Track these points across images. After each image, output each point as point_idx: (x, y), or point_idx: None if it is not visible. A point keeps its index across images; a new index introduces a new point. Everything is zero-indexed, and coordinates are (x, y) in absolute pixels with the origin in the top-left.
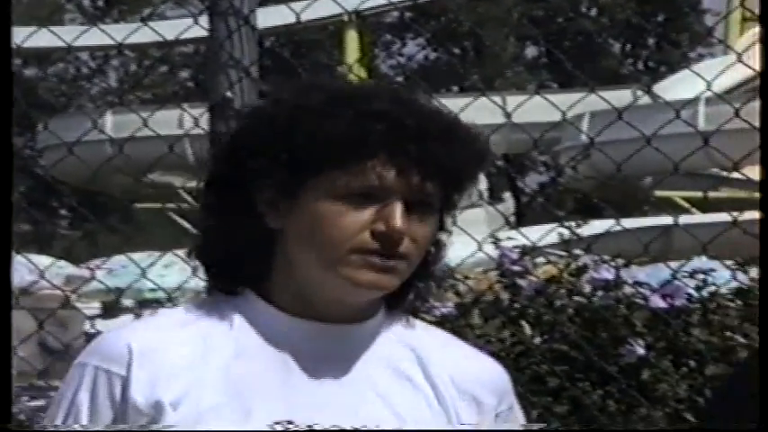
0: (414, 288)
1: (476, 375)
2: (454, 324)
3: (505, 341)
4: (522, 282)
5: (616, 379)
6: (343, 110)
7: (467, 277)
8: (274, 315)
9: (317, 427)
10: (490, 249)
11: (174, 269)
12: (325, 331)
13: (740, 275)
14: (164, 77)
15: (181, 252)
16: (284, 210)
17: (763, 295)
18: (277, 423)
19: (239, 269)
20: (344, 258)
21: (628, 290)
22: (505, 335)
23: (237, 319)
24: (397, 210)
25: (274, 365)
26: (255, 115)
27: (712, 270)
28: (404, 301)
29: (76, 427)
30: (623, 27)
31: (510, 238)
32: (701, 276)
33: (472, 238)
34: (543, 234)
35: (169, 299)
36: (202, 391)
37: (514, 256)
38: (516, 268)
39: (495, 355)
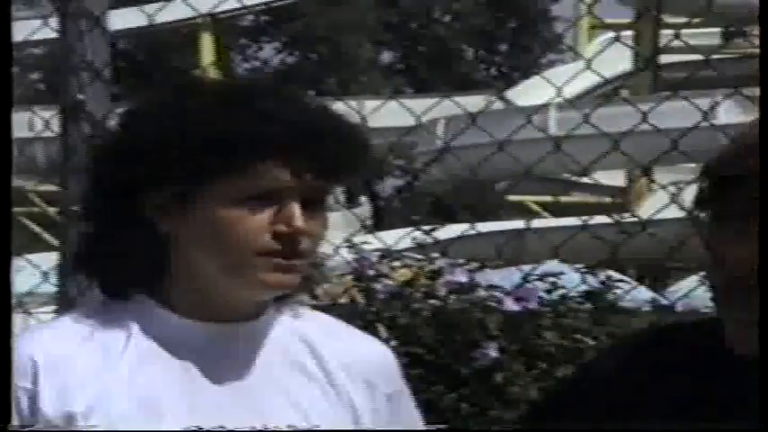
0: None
1: (366, 359)
2: None
3: None
4: (377, 285)
5: (470, 381)
6: (234, 112)
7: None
8: (171, 319)
9: (228, 428)
10: (346, 253)
11: (23, 274)
12: (223, 331)
13: (589, 278)
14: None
15: (32, 257)
16: (176, 214)
17: (764, 292)
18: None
19: (130, 275)
20: (249, 262)
21: (482, 293)
22: None
23: (134, 326)
24: (296, 210)
25: (177, 370)
26: (138, 117)
27: (563, 273)
28: (292, 293)
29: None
30: (476, 33)
31: (366, 243)
32: (552, 279)
33: (328, 242)
34: (399, 238)
35: (20, 304)
36: (110, 400)
37: (371, 259)
38: (372, 272)
39: None
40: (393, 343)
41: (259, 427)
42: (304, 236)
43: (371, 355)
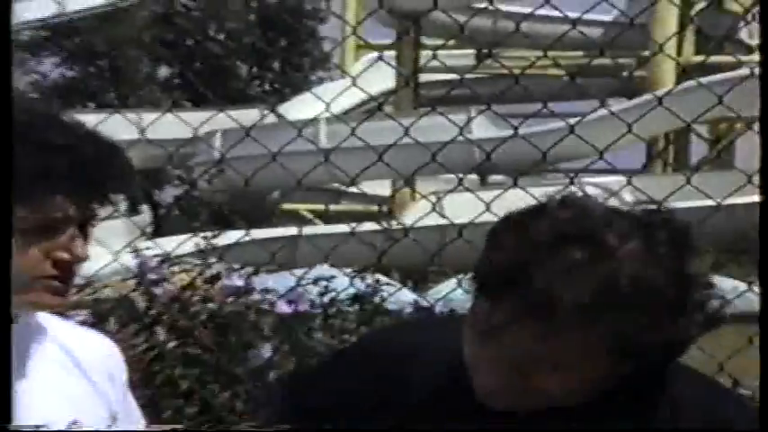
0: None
1: (105, 354)
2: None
3: (139, 346)
4: (157, 289)
5: (244, 380)
6: (23, 146)
7: (106, 286)
8: None
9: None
10: (128, 259)
11: None
12: (18, 330)
13: (357, 282)
14: None
15: None
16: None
17: (764, 300)
18: None
19: None
20: (28, 286)
21: (256, 296)
22: (140, 340)
23: None
24: (77, 239)
25: None
26: None
27: (333, 277)
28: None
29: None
30: (249, 51)
31: (149, 248)
32: (324, 283)
33: (108, 250)
34: (179, 244)
35: None
36: None
37: (151, 264)
38: (153, 276)
39: (129, 359)
40: (171, 345)
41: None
42: (81, 261)
43: (109, 348)
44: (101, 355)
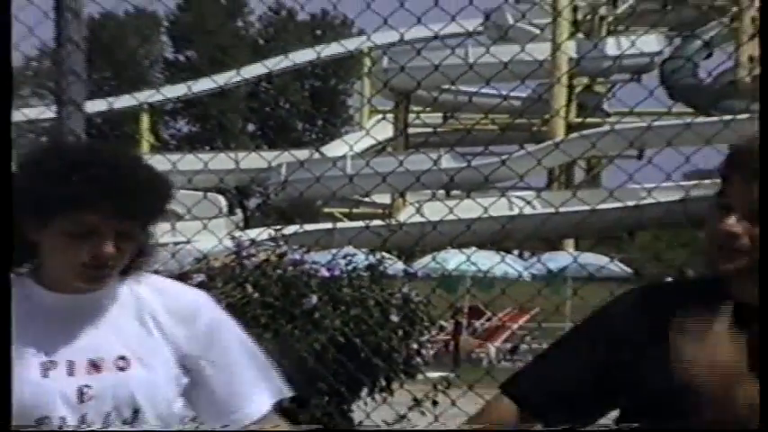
0: (135, 266)
1: (183, 303)
2: (206, 287)
3: (235, 296)
4: (247, 261)
5: (299, 318)
6: (64, 178)
7: (215, 259)
8: (39, 289)
9: (87, 358)
10: (229, 242)
11: None
12: (69, 299)
13: (370, 257)
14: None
15: None
16: (39, 233)
17: (764, 290)
18: (48, 362)
19: (21, 259)
20: (75, 274)
21: (307, 266)
22: (236, 293)
23: (19, 295)
24: (103, 245)
25: (36, 324)
26: (17, 175)
27: (354, 254)
28: (131, 272)
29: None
30: (303, 114)
31: (241, 236)
32: (349, 258)
33: (216, 236)
34: (259, 233)
35: None
36: None
37: (244, 245)
38: (244, 253)
39: (229, 305)
40: (255, 295)
41: (92, 357)
42: (109, 260)
43: (187, 299)
44: (178, 304)
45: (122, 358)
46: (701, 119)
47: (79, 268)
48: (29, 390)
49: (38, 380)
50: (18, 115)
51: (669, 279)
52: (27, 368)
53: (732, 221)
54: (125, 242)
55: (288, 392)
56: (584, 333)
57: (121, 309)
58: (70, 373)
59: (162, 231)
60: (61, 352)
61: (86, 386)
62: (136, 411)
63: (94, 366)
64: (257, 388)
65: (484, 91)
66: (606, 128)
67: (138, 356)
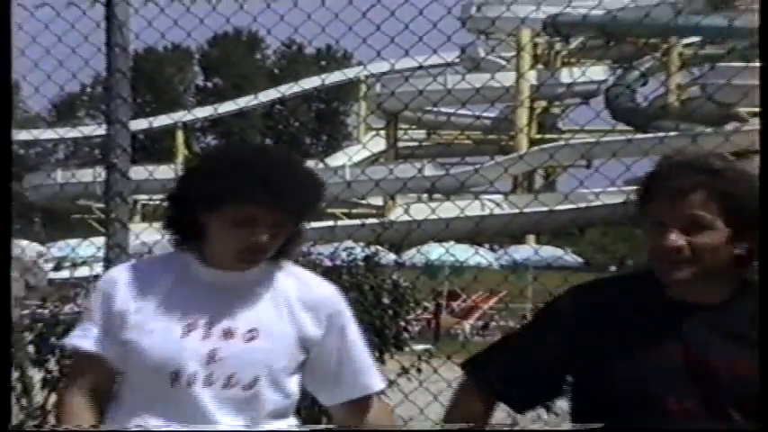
0: (283, 253)
1: (313, 292)
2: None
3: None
4: None
5: None
6: (236, 173)
7: None
8: (198, 264)
9: (222, 326)
10: None
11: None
12: (226, 275)
13: (366, 249)
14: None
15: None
16: (208, 216)
17: (764, 293)
18: (190, 324)
19: (186, 238)
20: (233, 255)
21: (313, 257)
22: None
23: (177, 265)
24: (260, 234)
25: (188, 291)
26: (189, 172)
27: (353, 247)
28: (280, 257)
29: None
30: (310, 131)
31: None
32: (349, 250)
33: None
34: None
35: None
36: (144, 304)
37: None
38: None
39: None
40: None
41: (227, 326)
42: (264, 247)
43: (318, 291)
44: (309, 293)
45: (252, 331)
46: (639, 135)
47: (238, 251)
48: (169, 346)
49: (178, 339)
50: (75, 132)
51: (613, 269)
52: (171, 327)
53: (674, 237)
54: (278, 232)
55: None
56: (539, 324)
57: (261, 288)
58: (206, 336)
59: None
60: (203, 318)
61: (217, 349)
62: (255, 378)
63: (227, 334)
64: (372, 370)
65: (460, 112)
66: (561, 142)
67: (266, 332)
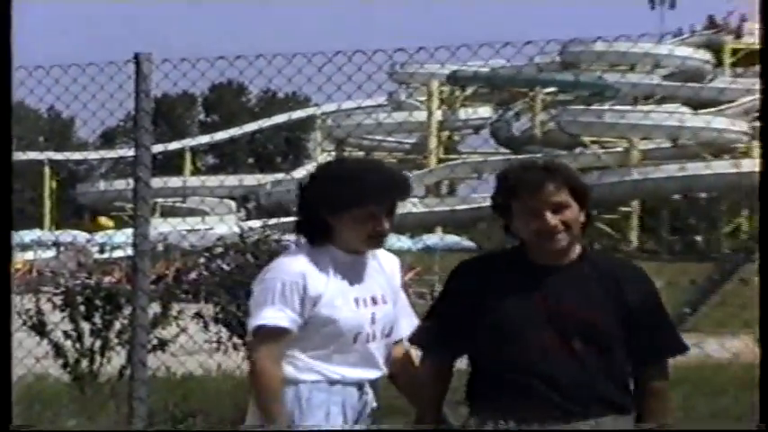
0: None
1: (391, 261)
2: (222, 256)
3: (240, 261)
4: (247, 240)
5: None
6: (356, 182)
7: (221, 237)
8: (336, 251)
9: (364, 305)
10: (236, 228)
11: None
12: (354, 257)
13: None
14: None
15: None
16: (335, 217)
17: (764, 292)
18: (357, 297)
19: (320, 236)
20: (360, 240)
21: (283, 243)
22: (240, 259)
23: (327, 256)
24: (385, 223)
25: (344, 273)
26: (312, 181)
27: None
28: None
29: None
30: (280, 152)
31: (243, 225)
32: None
33: (228, 225)
34: (256, 223)
35: None
36: (329, 287)
37: (245, 230)
38: (245, 235)
39: (236, 267)
40: (252, 260)
41: (372, 295)
42: (388, 232)
43: (392, 260)
44: (384, 261)
45: (383, 295)
46: (514, 156)
47: (365, 238)
48: (353, 316)
49: (355, 309)
50: (112, 154)
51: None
52: (348, 302)
53: (549, 217)
54: (390, 219)
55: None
56: (444, 293)
57: (374, 263)
58: (365, 304)
59: (196, 221)
60: (360, 291)
61: (375, 313)
62: (391, 327)
63: (374, 301)
64: (409, 312)
65: (388, 139)
66: (460, 161)
67: (386, 293)
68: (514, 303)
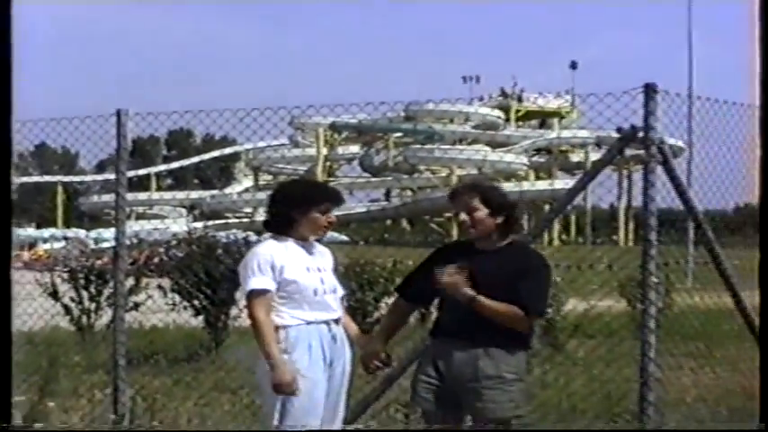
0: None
1: (325, 250)
2: (177, 247)
3: (188, 251)
4: (193, 235)
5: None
6: (315, 188)
7: (175, 235)
8: (292, 240)
9: (313, 271)
10: (186, 228)
11: None
12: (306, 244)
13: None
14: None
15: None
16: (299, 214)
17: (764, 292)
18: (308, 267)
19: (285, 228)
20: (320, 229)
21: (218, 238)
22: (188, 249)
23: (286, 243)
24: (332, 216)
25: (298, 252)
26: (281, 190)
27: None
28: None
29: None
30: (217, 175)
31: (191, 226)
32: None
33: (180, 226)
34: (201, 224)
35: None
36: (288, 260)
37: (193, 230)
38: (192, 233)
39: (186, 255)
40: (196, 250)
41: (318, 266)
42: (333, 223)
43: (324, 250)
44: (323, 251)
45: (324, 268)
46: (373, 179)
47: (320, 227)
48: (308, 277)
49: (308, 273)
50: (102, 177)
51: (362, 244)
52: (305, 269)
53: (463, 217)
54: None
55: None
56: (430, 257)
57: (317, 250)
58: (315, 271)
59: (157, 223)
60: (311, 264)
61: (322, 278)
62: (334, 288)
63: (319, 270)
64: (338, 284)
65: (288, 167)
66: (339, 182)
67: (327, 267)
68: (458, 270)
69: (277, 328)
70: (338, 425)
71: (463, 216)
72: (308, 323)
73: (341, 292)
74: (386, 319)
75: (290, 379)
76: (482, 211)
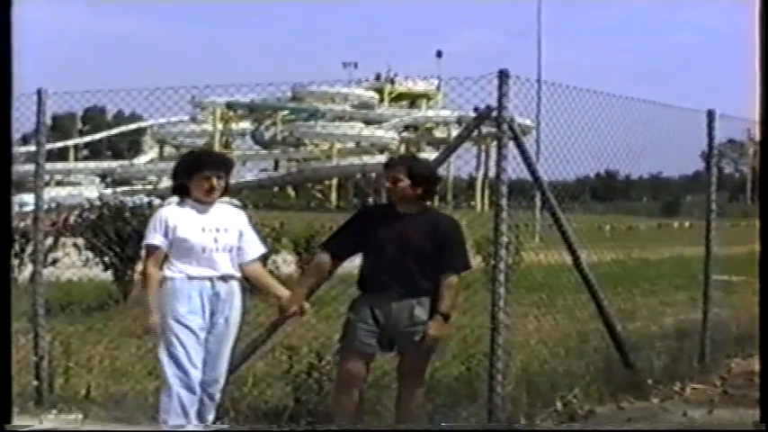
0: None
1: (232, 212)
2: (90, 210)
3: (100, 213)
4: (104, 200)
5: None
6: (201, 157)
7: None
8: (191, 201)
9: (207, 231)
10: (96, 193)
11: None
12: (206, 206)
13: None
14: None
15: None
16: (188, 180)
17: (764, 289)
18: (203, 227)
19: (183, 193)
20: (202, 193)
21: (125, 202)
22: (100, 212)
23: (186, 206)
24: (213, 181)
25: (195, 214)
26: (182, 159)
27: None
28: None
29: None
30: (127, 149)
31: (103, 192)
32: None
33: (95, 191)
34: (111, 191)
35: None
36: (182, 221)
37: (105, 195)
38: (104, 198)
39: (98, 217)
40: (107, 213)
41: (215, 226)
42: (217, 189)
43: (234, 212)
44: (231, 212)
45: (225, 228)
46: (263, 152)
47: (205, 191)
48: (199, 236)
49: (200, 233)
50: (25, 149)
51: (250, 207)
52: (198, 229)
53: (388, 185)
54: (220, 182)
55: (264, 250)
56: (353, 219)
57: (217, 209)
58: (210, 231)
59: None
60: (205, 223)
61: (217, 238)
62: (231, 246)
63: (217, 230)
64: (256, 244)
65: (188, 140)
66: (234, 153)
67: (228, 228)
68: (383, 232)
69: (165, 278)
70: (221, 368)
71: (388, 184)
72: (191, 278)
73: (258, 251)
74: (309, 274)
75: (151, 323)
76: (405, 182)
